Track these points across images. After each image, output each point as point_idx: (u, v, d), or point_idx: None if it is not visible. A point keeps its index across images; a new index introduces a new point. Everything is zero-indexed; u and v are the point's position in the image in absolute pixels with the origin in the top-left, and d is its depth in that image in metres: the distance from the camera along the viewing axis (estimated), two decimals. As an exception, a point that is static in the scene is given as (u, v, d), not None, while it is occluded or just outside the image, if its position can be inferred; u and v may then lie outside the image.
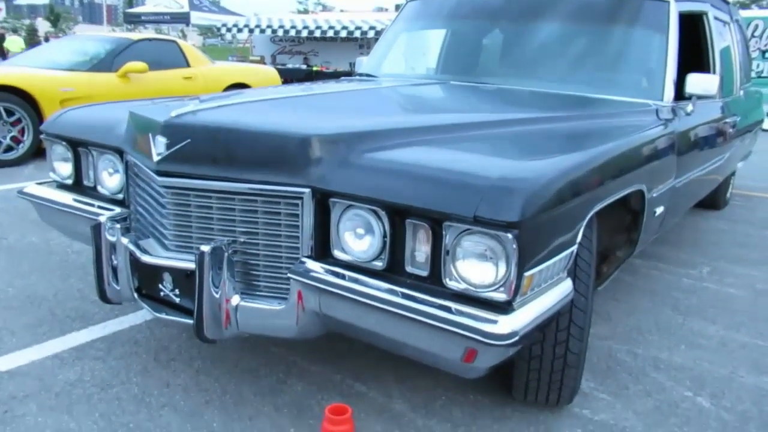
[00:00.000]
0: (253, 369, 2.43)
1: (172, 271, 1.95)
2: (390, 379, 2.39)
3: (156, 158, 1.88)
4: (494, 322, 1.51)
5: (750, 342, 2.87)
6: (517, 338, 1.50)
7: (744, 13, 12.64)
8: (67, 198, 2.45)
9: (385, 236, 1.69)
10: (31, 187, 2.60)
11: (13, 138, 5.79)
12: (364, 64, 3.75)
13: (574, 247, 1.79)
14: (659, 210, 2.63)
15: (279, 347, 2.57)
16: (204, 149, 1.83)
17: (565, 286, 1.77)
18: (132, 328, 2.73)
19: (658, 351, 2.74)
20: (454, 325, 1.53)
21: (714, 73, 3.44)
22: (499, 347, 1.50)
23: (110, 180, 2.39)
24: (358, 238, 1.75)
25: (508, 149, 1.92)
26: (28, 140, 5.92)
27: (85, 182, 2.50)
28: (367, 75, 3.56)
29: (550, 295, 1.70)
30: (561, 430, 2.13)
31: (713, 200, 5.24)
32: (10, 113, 5.71)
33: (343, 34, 17.84)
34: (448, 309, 1.57)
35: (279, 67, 18.22)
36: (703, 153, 3.25)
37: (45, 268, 3.37)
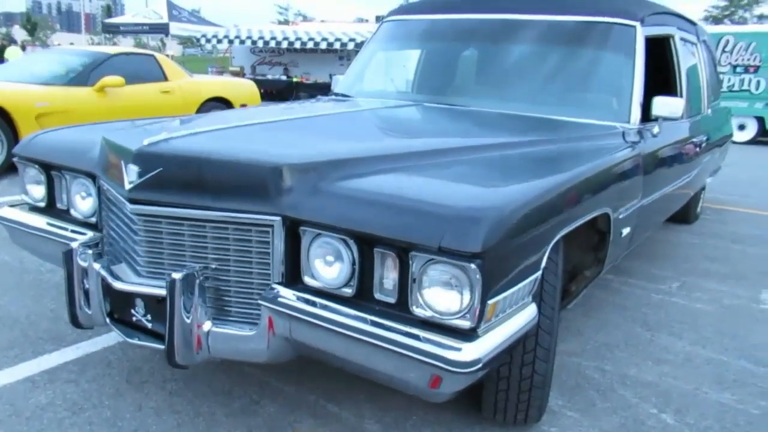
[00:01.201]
0: (226, 390, 2.44)
1: (143, 297, 1.96)
2: (362, 398, 2.42)
3: (128, 186, 1.90)
4: (458, 349, 1.55)
5: (714, 358, 2.95)
6: (480, 365, 1.55)
7: (715, 28, 12.97)
8: (40, 222, 2.45)
9: (353, 264, 1.73)
10: (4, 210, 2.59)
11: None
12: (339, 83, 3.79)
13: (539, 273, 1.84)
14: (626, 230, 2.70)
15: (252, 368, 2.59)
16: (176, 178, 1.85)
17: (530, 311, 1.82)
18: (105, 349, 2.72)
19: (626, 367, 2.80)
20: (419, 353, 1.57)
21: (680, 95, 3.53)
22: (463, 374, 1.55)
23: (83, 203, 2.40)
24: (328, 265, 1.78)
25: (474, 176, 1.97)
26: (2, 155, 5.87)
27: (58, 205, 2.51)
28: (343, 95, 3.60)
29: (515, 320, 1.74)
30: (529, 449, 2.18)
31: (684, 215, 5.35)
32: (-19, 128, 5.68)
33: (323, 45, 17.92)
34: (414, 336, 1.61)
35: (259, 77, 18.23)
36: (670, 172, 3.34)
37: (17, 288, 3.35)
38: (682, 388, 2.64)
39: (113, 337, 2.80)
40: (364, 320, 1.68)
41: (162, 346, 1.91)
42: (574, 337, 3.08)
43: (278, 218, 1.80)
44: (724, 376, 2.77)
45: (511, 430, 2.26)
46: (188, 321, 1.86)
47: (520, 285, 1.74)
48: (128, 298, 2.01)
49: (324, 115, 2.69)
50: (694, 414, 2.45)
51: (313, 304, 1.77)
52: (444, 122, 2.82)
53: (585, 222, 2.19)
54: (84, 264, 2.08)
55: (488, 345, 1.59)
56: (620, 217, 2.55)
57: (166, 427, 2.21)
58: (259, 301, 1.83)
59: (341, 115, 2.75)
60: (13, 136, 5.82)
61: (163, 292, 1.87)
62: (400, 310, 1.69)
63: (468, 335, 1.60)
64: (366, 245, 1.71)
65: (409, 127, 2.78)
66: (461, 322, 1.60)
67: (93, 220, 2.38)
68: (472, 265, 1.53)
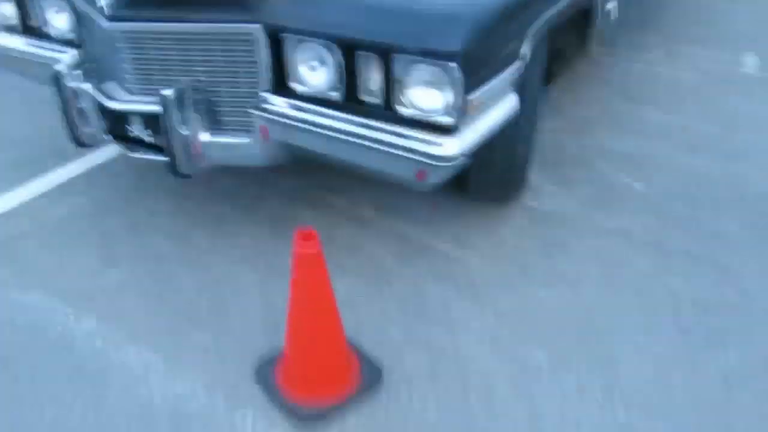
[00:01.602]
0: (231, 189, 2.62)
1: (140, 114, 2.03)
2: (358, 188, 2.61)
3: (101, 2, 1.86)
4: (440, 144, 1.67)
5: (690, 126, 3.09)
6: (461, 158, 1.68)
7: None
8: (16, 43, 2.41)
9: (338, 68, 1.77)
10: (-23, 32, 2.53)
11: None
12: None
13: (519, 63, 1.89)
14: (610, 5, 2.67)
15: (255, 167, 2.74)
16: (149, -9, 1.82)
17: (511, 101, 1.90)
18: (110, 160, 2.86)
19: (604, 140, 2.96)
20: (405, 150, 1.69)
21: None
22: (446, 167, 1.68)
23: (58, 20, 2.33)
24: (313, 71, 1.82)
25: None
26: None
27: (33, 23, 2.44)
28: None
29: (496, 111, 1.83)
30: (509, 220, 2.41)
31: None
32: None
33: None
34: (399, 134, 1.71)
35: None
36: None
37: (11, 107, 3.38)
38: (654, 157, 2.82)
39: (116, 148, 2.90)
40: (353, 122, 1.77)
41: (164, 159, 2.03)
42: (558, 113, 3.20)
43: (259, 26, 1.80)
44: (696, 142, 2.94)
45: (494, 205, 2.48)
46: (186, 133, 1.95)
47: (500, 77, 1.81)
48: (124, 116, 2.07)
49: None
50: (662, 180, 2.65)
51: (302, 109, 1.85)
52: None
53: (568, 5, 2.18)
54: (74, 85, 2.10)
55: (468, 139, 1.71)
56: (604, -8, 2.52)
57: (182, 227, 2.42)
58: (250, 110, 1.91)
59: None
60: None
61: (157, 108, 1.94)
62: (387, 110, 1.76)
63: (450, 131, 1.70)
64: (349, 49, 1.73)
65: None
66: (444, 118, 1.69)
67: (71, 36, 2.34)
68: (452, 64, 1.58)
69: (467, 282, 2.12)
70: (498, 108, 1.85)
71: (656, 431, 1.62)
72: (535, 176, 2.66)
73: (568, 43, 2.61)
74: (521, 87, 2.03)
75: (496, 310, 2.00)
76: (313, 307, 1.58)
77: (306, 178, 2.68)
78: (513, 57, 1.84)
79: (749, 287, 2.08)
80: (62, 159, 2.87)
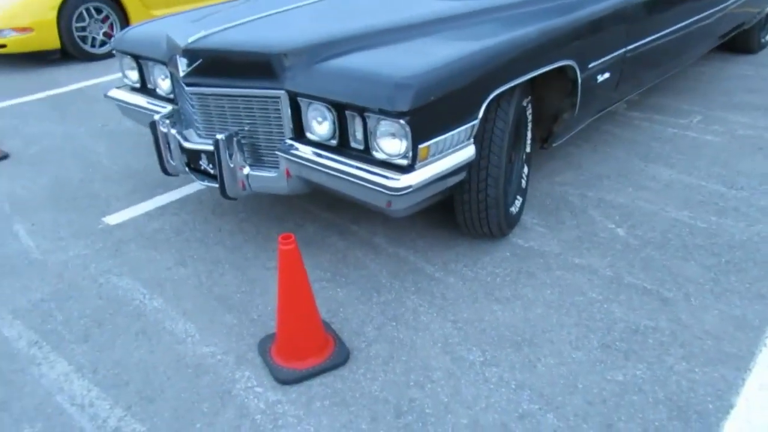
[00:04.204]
0: (280, 216, 3.31)
1: (205, 152, 2.78)
2: (378, 222, 3.19)
3: (181, 74, 2.65)
4: (397, 179, 2.23)
5: (694, 183, 3.38)
6: (411, 190, 2.22)
7: None
8: (135, 99, 3.29)
9: (335, 123, 2.40)
10: (113, 92, 3.47)
11: (105, 33, 6.71)
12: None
13: (476, 122, 2.41)
14: (604, 77, 3.10)
15: (300, 200, 3.42)
16: (212, 66, 2.57)
17: (469, 151, 2.43)
18: (198, 191, 3.66)
19: (606, 193, 3.33)
20: (374, 183, 2.27)
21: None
22: (402, 196, 2.24)
23: (163, 84, 3.19)
24: (320, 124, 2.47)
25: (426, 48, 2.48)
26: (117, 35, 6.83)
27: (149, 85, 3.33)
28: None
29: (451, 158, 2.36)
30: (494, 253, 2.87)
31: (745, 44, 5.34)
32: (98, 11, 6.59)
33: None
34: (372, 172, 2.30)
35: None
36: (675, 13, 3.55)
37: (137, 148, 4.36)
38: (647, 209, 3.16)
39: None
40: (342, 162, 2.38)
41: (217, 185, 2.74)
42: (573, 169, 3.61)
43: (283, 92, 2.49)
44: (693, 198, 3.23)
45: (484, 241, 2.96)
46: (231, 166, 2.66)
47: (455, 132, 2.34)
48: (196, 153, 2.83)
49: (312, 4, 3.17)
50: (645, 228, 2.99)
51: (312, 153, 2.49)
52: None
53: (542, 73, 2.68)
54: (164, 130, 2.90)
55: (420, 176, 2.25)
56: (592, 66, 2.97)
57: (237, 241, 3.12)
58: (276, 152, 2.58)
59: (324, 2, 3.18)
60: (124, 16, 6.73)
61: (211, 147, 2.66)
62: (367, 154, 2.37)
63: (406, 170, 2.26)
64: (341, 109, 2.36)
65: (383, 6, 3.16)
66: (402, 161, 2.26)
67: (173, 96, 3.18)
68: (402, 121, 2.16)
69: (440, 296, 2.61)
70: (454, 156, 2.38)
71: (548, 420, 2.01)
72: (529, 219, 3.11)
73: (563, 109, 3.07)
74: (488, 140, 2.56)
75: (456, 319, 2.48)
76: (292, 292, 2.17)
77: (339, 210, 3.31)
78: (467, 116, 2.37)
79: (684, 318, 2.40)
80: (165, 188, 3.72)
